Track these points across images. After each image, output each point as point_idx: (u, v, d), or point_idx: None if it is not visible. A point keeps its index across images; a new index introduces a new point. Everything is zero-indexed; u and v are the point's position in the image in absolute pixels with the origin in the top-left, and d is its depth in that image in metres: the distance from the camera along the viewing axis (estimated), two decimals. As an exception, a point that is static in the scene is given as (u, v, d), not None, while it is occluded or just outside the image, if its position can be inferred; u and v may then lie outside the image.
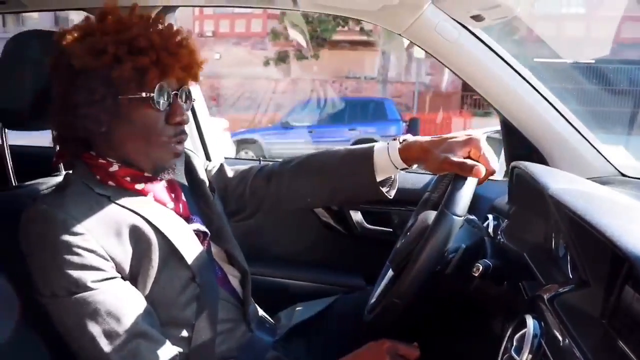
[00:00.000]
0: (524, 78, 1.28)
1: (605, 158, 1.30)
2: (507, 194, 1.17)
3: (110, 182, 0.90)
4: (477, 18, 1.21)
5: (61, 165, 1.13)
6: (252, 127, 10.89)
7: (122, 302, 0.82)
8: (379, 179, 1.01)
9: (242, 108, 12.63)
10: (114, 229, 0.84)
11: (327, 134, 9.39)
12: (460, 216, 0.84)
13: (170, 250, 0.89)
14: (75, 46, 0.83)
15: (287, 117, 10.20)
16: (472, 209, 0.94)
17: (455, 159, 0.91)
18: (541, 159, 1.32)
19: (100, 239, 0.82)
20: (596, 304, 0.66)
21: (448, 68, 1.33)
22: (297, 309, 1.23)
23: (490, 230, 1.18)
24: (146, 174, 0.92)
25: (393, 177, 1.05)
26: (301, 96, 11.75)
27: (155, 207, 0.92)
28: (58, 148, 0.94)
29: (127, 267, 0.85)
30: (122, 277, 0.85)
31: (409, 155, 0.98)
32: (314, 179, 1.07)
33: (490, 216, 1.23)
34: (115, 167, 0.90)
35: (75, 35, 0.85)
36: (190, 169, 1.09)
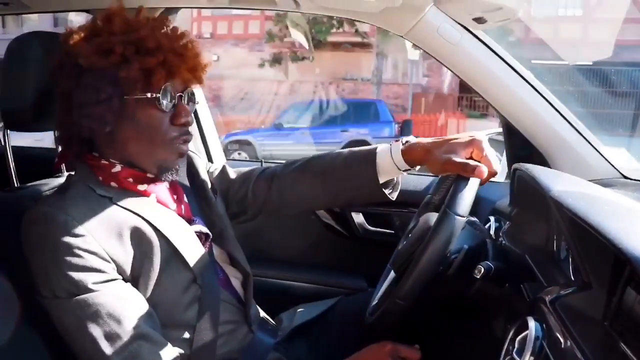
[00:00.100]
0: (526, 80, 1.27)
1: (607, 160, 1.30)
2: (509, 196, 1.17)
3: (113, 183, 0.90)
4: (479, 20, 1.21)
5: (63, 167, 1.14)
6: (248, 128, 10.85)
7: (123, 304, 0.82)
8: (381, 180, 1.01)
9: (239, 109, 12.60)
10: (116, 230, 0.84)
11: (320, 135, 9.32)
12: (463, 216, 0.84)
13: (171, 252, 0.89)
14: (82, 46, 0.84)
15: (280, 119, 10.16)
16: (474, 211, 0.94)
17: (457, 159, 0.91)
18: (543, 161, 1.32)
19: (101, 241, 0.82)
20: (598, 306, 0.66)
21: (450, 70, 1.32)
22: (299, 310, 1.23)
23: (492, 232, 1.18)
24: (149, 175, 0.92)
25: (395, 179, 1.05)
26: (297, 98, 11.72)
27: (157, 209, 0.92)
28: (60, 149, 0.94)
29: (128, 269, 0.85)
30: (124, 279, 0.85)
31: (412, 156, 0.98)
32: (316, 181, 1.07)
33: (492, 218, 1.23)
34: (117, 168, 0.90)
35: (82, 35, 0.86)
36: (192, 171, 1.09)
